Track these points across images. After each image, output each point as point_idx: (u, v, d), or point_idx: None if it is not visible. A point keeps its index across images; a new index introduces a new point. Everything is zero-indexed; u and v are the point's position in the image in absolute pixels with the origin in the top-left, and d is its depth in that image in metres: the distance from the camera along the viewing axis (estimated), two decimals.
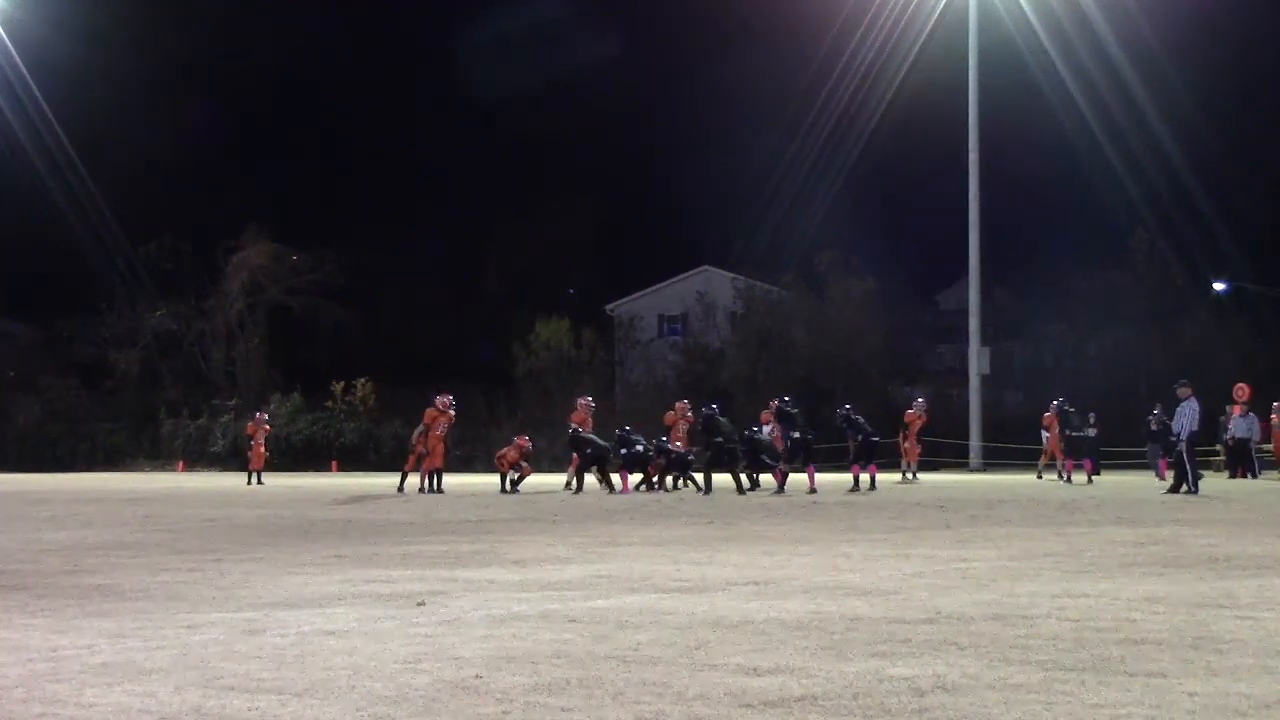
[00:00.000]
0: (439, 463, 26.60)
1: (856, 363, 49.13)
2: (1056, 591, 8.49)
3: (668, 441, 26.84)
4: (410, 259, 64.75)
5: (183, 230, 58.72)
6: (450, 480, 27.61)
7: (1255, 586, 8.76)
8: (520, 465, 26.69)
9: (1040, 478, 31.79)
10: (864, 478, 25.01)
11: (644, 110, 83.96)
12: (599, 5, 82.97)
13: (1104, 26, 43.57)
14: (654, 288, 60.49)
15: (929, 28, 44.02)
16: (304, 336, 60.18)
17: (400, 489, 26.14)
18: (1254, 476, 31.62)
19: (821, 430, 27.58)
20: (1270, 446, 34.16)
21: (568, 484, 26.16)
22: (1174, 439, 24.25)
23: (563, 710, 5.07)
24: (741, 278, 54.03)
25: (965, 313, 46.13)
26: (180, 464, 51.89)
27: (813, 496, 22.39)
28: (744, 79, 73.54)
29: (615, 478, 25.64)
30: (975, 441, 43.33)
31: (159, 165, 61.72)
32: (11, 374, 58.67)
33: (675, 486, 26.39)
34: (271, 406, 50.23)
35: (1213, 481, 27.71)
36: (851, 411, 26.32)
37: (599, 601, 8.23)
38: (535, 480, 28.63)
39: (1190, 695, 5.24)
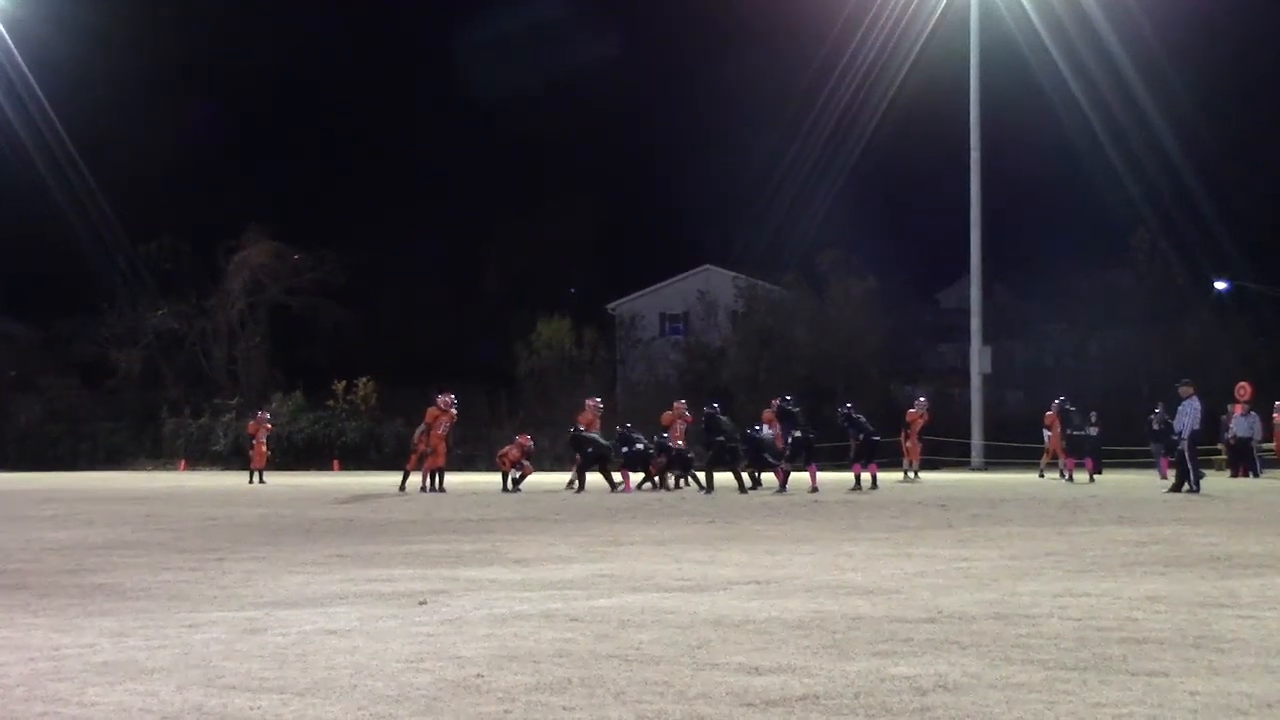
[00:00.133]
0: (441, 462, 26.62)
1: (857, 362, 49.13)
2: (1058, 591, 8.48)
3: (667, 440, 26.85)
4: (410, 259, 64.78)
5: (183, 230, 58.82)
6: (452, 479, 27.61)
7: (1257, 586, 8.76)
8: (522, 464, 26.70)
9: (1042, 476, 31.79)
10: (865, 477, 25.02)
11: (644, 110, 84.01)
12: (599, 5, 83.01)
13: (1105, 26, 43.57)
14: (655, 287, 60.49)
15: (930, 27, 44.03)
16: (305, 336, 60.21)
17: (402, 488, 26.14)
18: (1256, 475, 31.61)
19: (823, 429, 27.57)
20: (1272, 445, 34.15)
21: (570, 483, 26.16)
22: (1176, 438, 24.25)
23: (565, 709, 5.06)
24: (743, 277, 54.03)
25: (966, 312, 46.12)
26: (182, 463, 51.91)
27: (814, 495, 22.39)
28: (744, 79, 73.53)
29: (617, 476, 25.64)
30: (977, 440, 43.33)
31: (159, 165, 61.78)
32: (12, 374, 58.66)
33: (677, 485, 26.39)
34: (273, 405, 50.26)
35: (1214, 481, 27.71)
36: (852, 410, 26.32)
37: (601, 600, 8.23)
38: (537, 479, 28.64)
39: (1192, 694, 5.24)
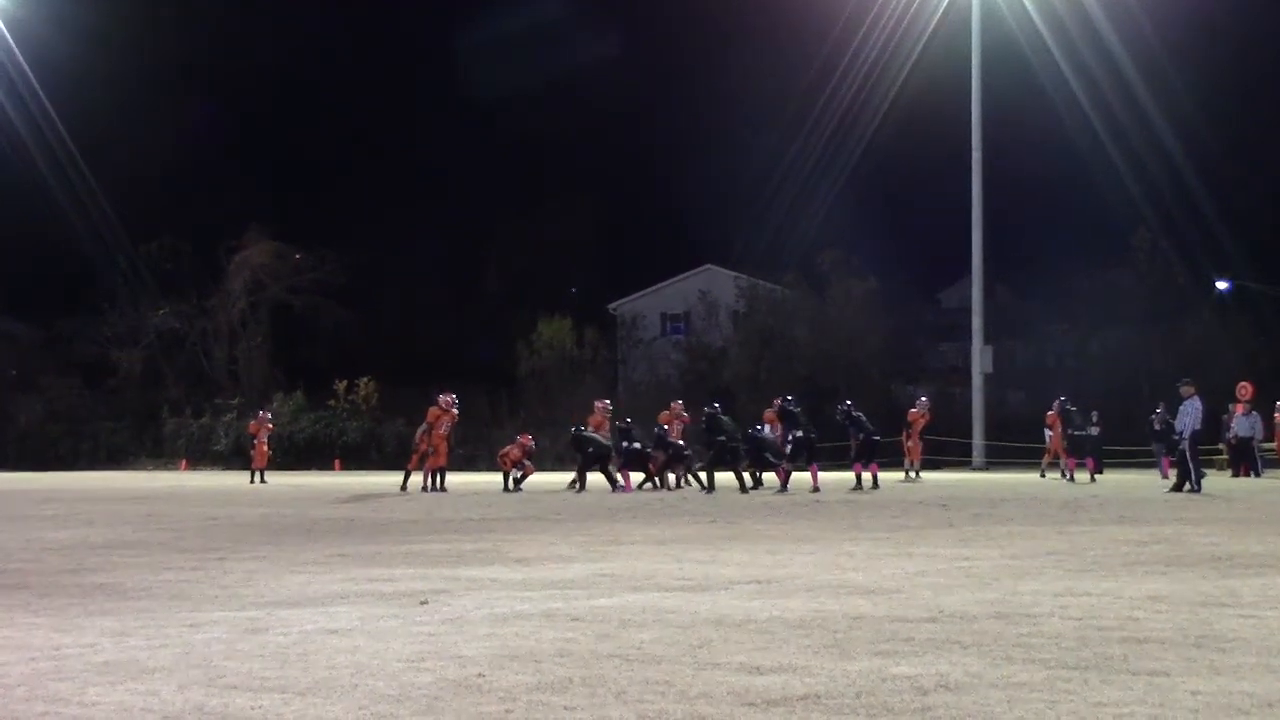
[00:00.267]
0: (443, 461, 26.63)
1: (858, 362, 49.12)
2: (1059, 590, 8.48)
3: (666, 432, 26.78)
4: (411, 259, 64.77)
5: (184, 229, 58.83)
6: (453, 479, 27.60)
7: (1258, 585, 8.76)
8: (523, 464, 26.70)
9: (1043, 476, 31.79)
10: (866, 476, 25.01)
11: (644, 110, 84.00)
12: (599, 5, 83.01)
13: (1106, 26, 43.56)
14: (656, 287, 60.51)
15: (931, 27, 44.01)
16: (306, 335, 60.24)
17: (403, 488, 26.14)
18: (1257, 475, 31.61)
19: (824, 429, 27.57)
20: (1273, 445, 34.15)
21: (572, 483, 26.16)
22: (1177, 438, 24.25)
23: (566, 709, 5.06)
24: (744, 276, 54.04)
25: (968, 311, 46.12)
26: (183, 463, 51.93)
27: (815, 495, 22.39)
28: (744, 79, 73.66)
29: (618, 477, 25.64)
30: (978, 440, 43.32)
31: (160, 165, 61.75)
32: (13, 373, 58.67)
33: (678, 485, 26.38)
34: (274, 405, 50.27)
35: (1216, 480, 27.70)
36: (852, 408, 26.32)
37: (602, 600, 8.23)
38: (538, 479, 28.64)
39: (1193, 694, 5.24)
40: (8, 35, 50.90)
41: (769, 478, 25.07)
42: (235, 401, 54.32)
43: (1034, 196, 62.47)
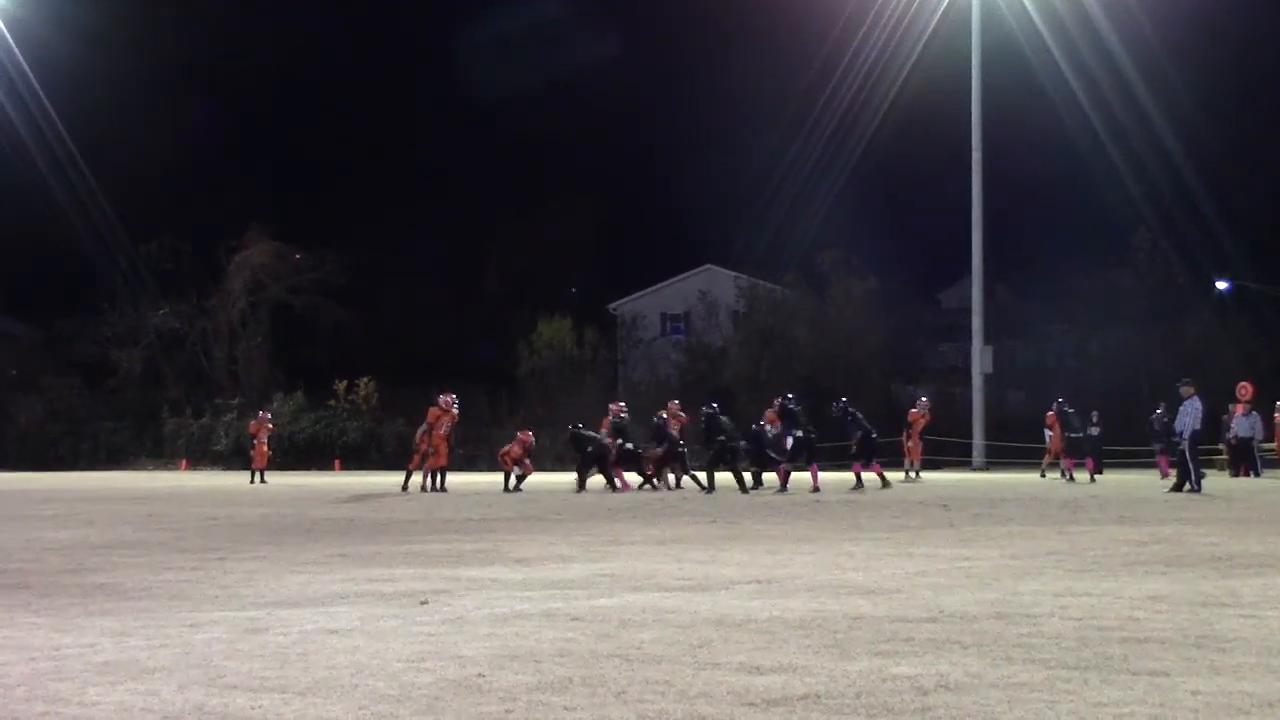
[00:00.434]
0: (443, 461, 26.63)
1: (858, 362, 49.13)
2: (1059, 590, 8.48)
3: (664, 424, 26.70)
4: (410, 259, 64.77)
5: (184, 229, 58.84)
6: (453, 479, 27.59)
7: (1259, 585, 8.76)
8: (523, 462, 26.68)
9: (1044, 476, 31.79)
10: (868, 476, 25.02)
11: (644, 110, 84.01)
12: (599, 5, 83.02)
13: (1106, 26, 43.56)
14: (656, 287, 60.53)
15: (931, 27, 44.02)
16: (306, 335, 60.25)
17: (404, 488, 26.14)
18: (1257, 475, 31.61)
19: (824, 429, 27.58)
20: (1273, 445, 34.15)
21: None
22: (1175, 438, 24.25)
23: (566, 709, 5.06)
24: (744, 276, 54.06)
25: (968, 311, 46.13)
26: (183, 463, 51.93)
27: (815, 495, 22.39)
28: (744, 79, 73.65)
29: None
30: (978, 440, 43.33)
31: (160, 165, 61.76)
32: (13, 373, 58.67)
33: (678, 485, 26.35)
34: (274, 405, 50.26)
35: (1216, 480, 27.70)
36: (848, 405, 26.33)
37: (602, 600, 8.23)
38: (538, 479, 28.64)
39: (1193, 694, 5.24)
40: (8, 35, 50.91)
41: (769, 478, 25.06)
42: (235, 401, 54.32)
43: (1034, 196, 62.55)
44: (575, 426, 26.98)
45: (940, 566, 10.12)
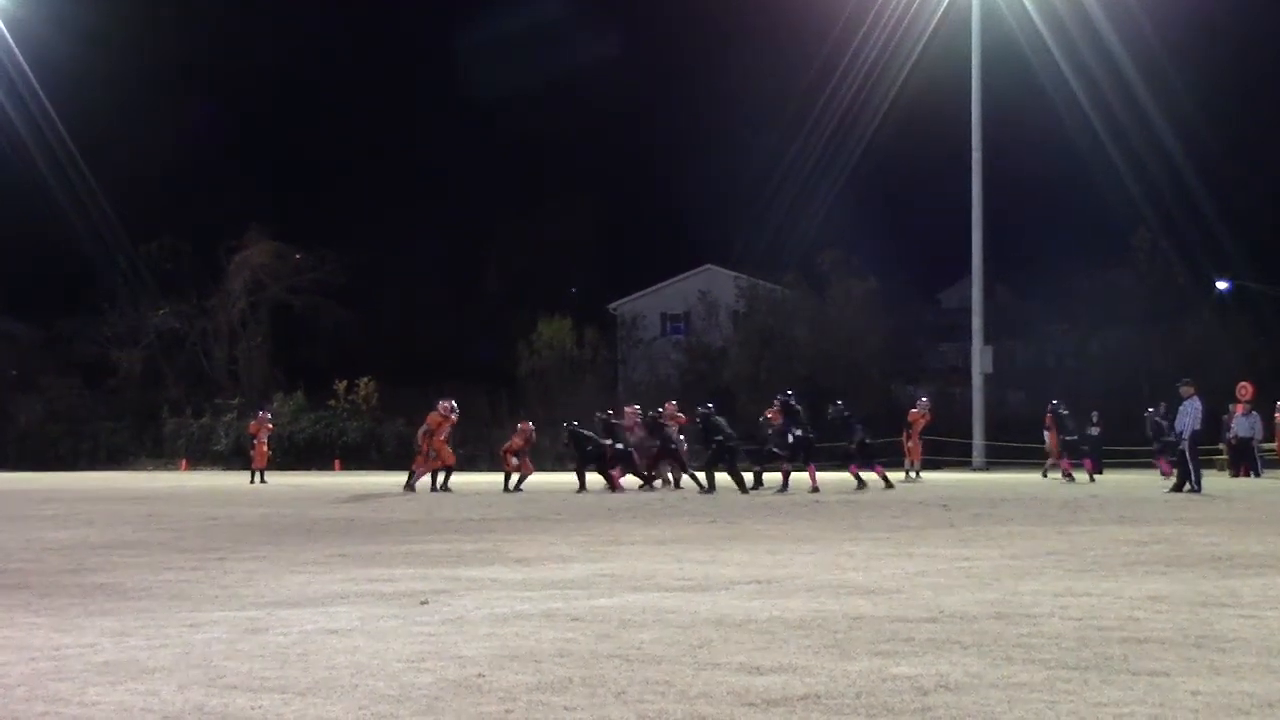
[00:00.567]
0: (451, 462, 26.65)
1: (858, 362, 49.13)
2: (1059, 590, 8.48)
3: (660, 417, 26.67)
4: (410, 259, 64.76)
5: (184, 229, 58.84)
6: (453, 479, 27.58)
7: (1259, 585, 8.76)
8: (524, 459, 26.66)
9: (1045, 476, 31.79)
10: (870, 476, 25.03)
11: (644, 110, 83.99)
12: (599, 5, 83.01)
13: (1106, 26, 43.57)
14: (656, 287, 60.53)
15: (931, 27, 44.02)
16: (306, 335, 60.25)
17: (407, 487, 26.06)
18: (1257, 475, 31.61)
19: (822, 429, 27.59)
20: (1273, 445, 34.15)
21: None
22: (1174, 438, 24.25)
23: (566, 709, 5.06)
24: (744, 276, 54.06)
25: (968, 311, 46.13)
26: (183, 463, 51.93)
27: (815, 495, 22.39)
28: (744, 79, 73.65)
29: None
30: (978, 440, 43.33)
31: (160, 165, 61.76)
32: (13, 373, 58.68)
33: (677, 485, 26.34)
34: (274, 405, 50.26)
35: (1216, 480, 27.70)
36: (844, 408, 26.35)
37: (602, 600, 8.23)
38: (538, 479, 28.64)
39: (1193, 694, 5.23)
40: (8, 35, 50.91)
41: (771, 478, 25.04)
42: (235, 401, 54.32)
43: (1034, 197, 62.55)
44: (572, 424, 26.92)
45: (940, 566, 10.12)
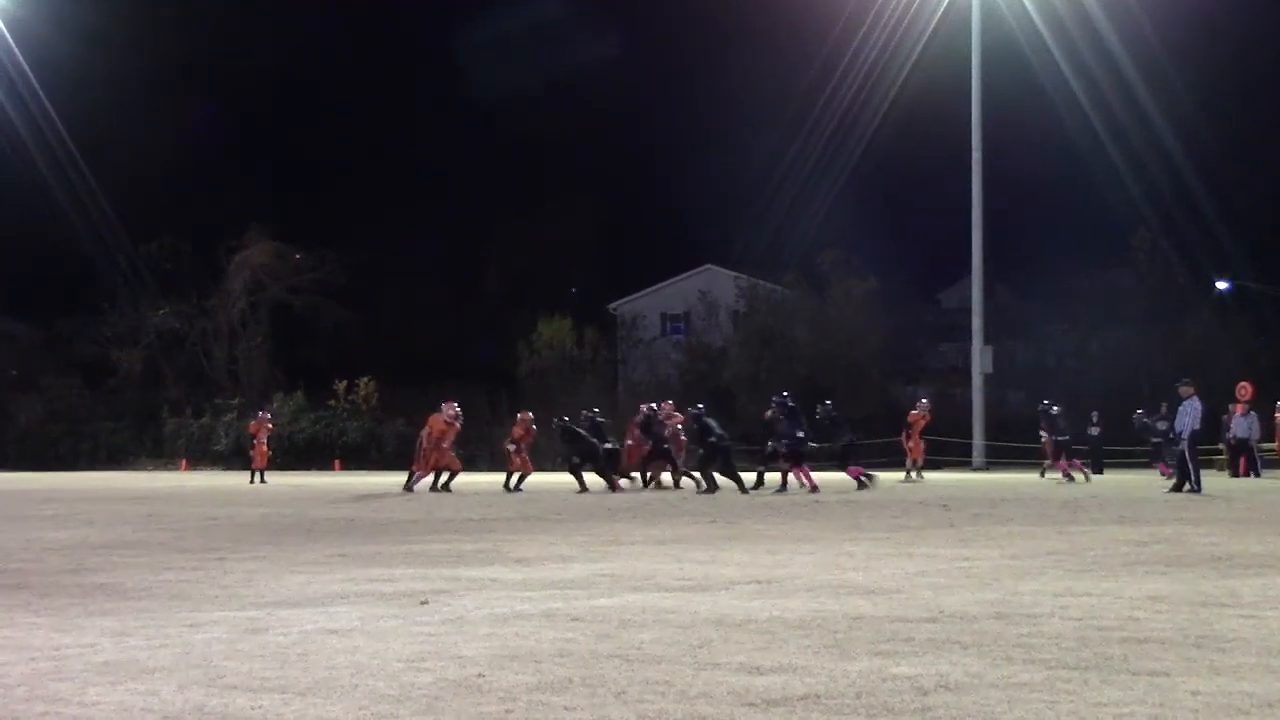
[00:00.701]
0: (458, 468, 26.66)
1: (858, 362, 49.15)
2: (1059, 590, 8.48)
3: (656, 415, 26.62)
4: (410, 259, 64.79)
5: (184, 229, 58.89)
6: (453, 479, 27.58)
7: (1259, 585, 8.76)
8: (523, 456, 26.63)
9: (1043, 476, 31.79)
10: (834, 477, 25.01)
11: (644, 110, 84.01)
12: (599, 5, 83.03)
13: (1106, 26, 43.59)
14: (656, 287, 60.54)
15: (931, 27, 44.04)
16: (306, 335, 60.27)
17: (407, 488, 26.03)
18: (1256, 475, 31.61)
19: (819, 430, 27.61)
20: (1273, 445, 34.15)
21: (644, 480, 26.07)
22: (1173, 437, 24.26)
23: (566, 709, 5.06)
24: (744, 276, 54.08)
25: (968, 311, 46.14)
26: (183, 463, 51.94)
27: (815, 495, 22.39)
28: (744, 79, 73.65)
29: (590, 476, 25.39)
30: (978, 440, 43.34)
31: (160, 165, 61.78)
32: (13, 373, 58.69)
33: (676, 485, 26.33)
34: (274, 405, 50.27)
35: (1215, 480, 27.70)
36: (831, 409, 26.33)
37: (602, 600, 8.22)
38: (538, 479, 28.63)
39: (1193, 694, 5.23)
40: (8, 35, 50.93)
41: (771, 477, 25.04)
42: (235, 401, 54.34)
43: (1034, 196, 62.57)
44: (563, 419, 26.78)
45: (940, 566, 10.12)
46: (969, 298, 46.15)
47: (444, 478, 26.04)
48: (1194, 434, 23.22)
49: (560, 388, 50.15)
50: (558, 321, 53.99)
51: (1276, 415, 33.68)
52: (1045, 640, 6.49)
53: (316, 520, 16.79)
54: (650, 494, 24.40)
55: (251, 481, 33.33)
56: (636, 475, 26.52)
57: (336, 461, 49.98)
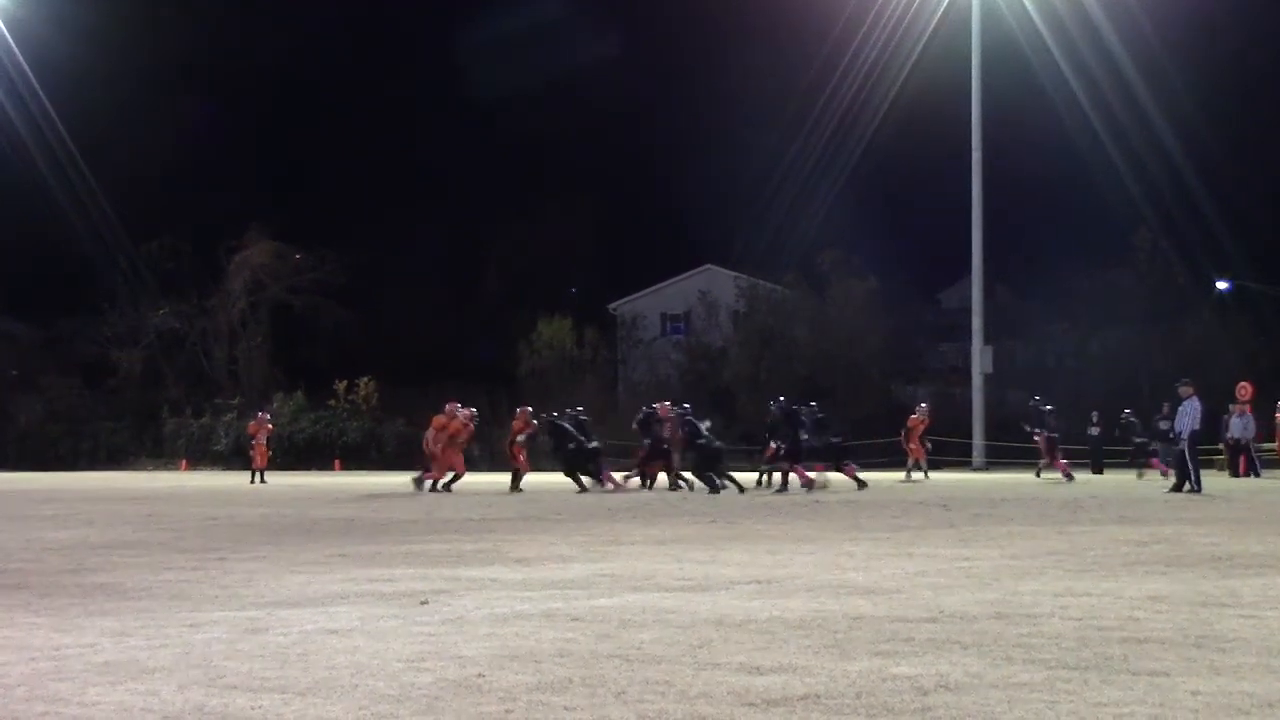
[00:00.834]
0: (462, 468, 26.68)
1: (858, 362, 49.16)
2: (1059, 590, 8.48)
3: (655, 413, 26.59)
4: (410, 259, 64.78)
5: (184, 229, 58.86)
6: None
7: (1259, 585, 8.76)
8: (521, 453, 26.64)
9: (1039, 476, 31.78)
10: (787, 476, 24.96)
11: (644, 110, 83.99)
12: (599, 5, 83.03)
13: (1106, 26, 43.61)
14: (656, 287, 60.55)
15: (931, 27, 44.05)
16: (306, 335, 60.27)
17: (417, 485, 25.96)
18: (1256, 475, 31.60)
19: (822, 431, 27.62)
20: (1273, 445, 34.13)
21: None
22: (1173, 437, 24.26)
23: (566, 709, 5.06)
24: (744, 277, 54.09)
25: (968, 311, 46.15)
26: (183, 463, 51.95)
27: (815, 496, 22.39)
28: (744, 79, 73.64)
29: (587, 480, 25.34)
30: (978, 440, 43.34)
31: (160, 165, 61.79)
32: (13, 373, 58.69)
33: (675, 486, 26.29)
34: (274, 405, 50.28)
35: (1216, 480, 27.70)
36: (816, 409, 26.33)
37: (602, 600, 8.22)
38: (538, 479, 28.63)
39: (1193, 694, 5.23)
40: (8, 35, 50.93)
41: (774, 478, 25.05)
42: (235, 401, 54.35)
43: (1034, 196, 62.55)
44: (552, 416, 26.67)
45: (940, 566, 10.12)
46: (969, 298, 46.15)
47: (447, 477, 26.03)
48: (1194, 434, 23.22)
49: (560, 388, 50.14)
50: (558, 321, 53.99)
51: (1277, 415, 33.66)
52: (1045, 640, 6.49)
53: (316, 520, 16.79)
54: (650, 494, 24.39)
55: (251, 481, 33.35)
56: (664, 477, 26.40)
57: (336, 461, 49.98)
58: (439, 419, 26.61)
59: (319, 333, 60.14)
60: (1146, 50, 45.54)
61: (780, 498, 21.95)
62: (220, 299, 58.93)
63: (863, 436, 42.66)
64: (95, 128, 55.42)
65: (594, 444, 26.02)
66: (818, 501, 20.58)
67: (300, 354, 58.54)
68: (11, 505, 21.55)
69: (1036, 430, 30.82)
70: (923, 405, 33.91)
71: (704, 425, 25.25)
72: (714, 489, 23.91)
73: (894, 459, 32.22)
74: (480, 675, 5.70)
